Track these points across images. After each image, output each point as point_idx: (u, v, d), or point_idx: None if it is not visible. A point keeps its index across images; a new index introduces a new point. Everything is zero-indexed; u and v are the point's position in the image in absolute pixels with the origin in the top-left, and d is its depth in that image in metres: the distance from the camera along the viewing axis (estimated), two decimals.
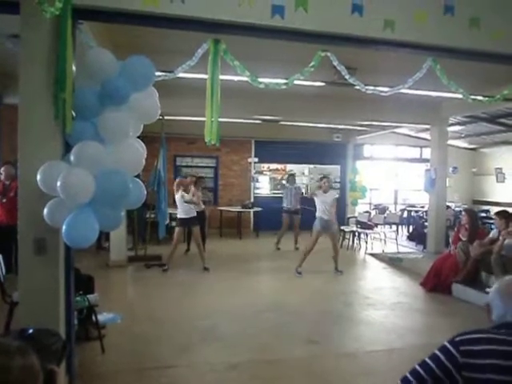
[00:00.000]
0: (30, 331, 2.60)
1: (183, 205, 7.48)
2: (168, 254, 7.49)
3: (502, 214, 6.25)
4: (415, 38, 3.52)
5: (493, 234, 6.32)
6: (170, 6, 2.98)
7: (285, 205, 9.88)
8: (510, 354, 1.24)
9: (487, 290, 5.86)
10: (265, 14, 3.14)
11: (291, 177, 10.24)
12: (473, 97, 4.29)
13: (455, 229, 7.22)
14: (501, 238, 6.00)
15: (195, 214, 7.63)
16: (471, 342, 1.17)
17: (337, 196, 7.47)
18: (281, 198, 10.39)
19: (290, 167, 13.11)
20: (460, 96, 4.08)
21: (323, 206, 7.27)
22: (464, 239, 6.49)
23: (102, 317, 4.50)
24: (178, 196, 7.54)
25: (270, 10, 3.14)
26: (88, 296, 4.05)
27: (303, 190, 13.06)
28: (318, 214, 7.34)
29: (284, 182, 10.93)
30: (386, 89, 4.07)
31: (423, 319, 5.46)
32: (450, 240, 7.35)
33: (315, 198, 7.38)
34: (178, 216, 7.57)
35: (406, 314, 5.52)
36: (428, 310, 5.88)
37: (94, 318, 4.12)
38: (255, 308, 5.49)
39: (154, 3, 2.94)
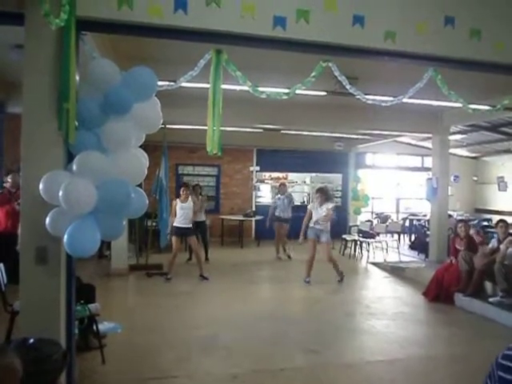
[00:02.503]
0: (31, 341, 2.60)
1: (180, 214, 7.47)
2: (168, 263, 7.48)
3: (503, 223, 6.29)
4: (416, 49, 3.53)
5: (492, 243, 6.31)
6: (173, 17, 3.00)
7: (276, 213, 9.96)
8: None
9: (490, 299, 5.84)
10: (267, 25, 3.17)
11: (282, 186, 10.36)
12: (473, 106, 4.30)
13: (451, 240, 7.19)
14: (502, 246, 5.98)
15: (191, 225, 7.63)
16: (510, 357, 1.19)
17: (331, 207, 7.42)
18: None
19: (291, 176, 13.15)
20: (461, 105, 4.10)
21: (316, 217, 7.37)
22: (461, 248, 6.48)
23: (103, 326, 4.48)
24: (174, 205, 7.58)
25: (271, 22, 3.16)
26: (89, 305, 4.05)
27: (304, 199, 13.15)
28: (311, 223, 7.44)
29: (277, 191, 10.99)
30: (386, 98, 4.09)
31: (425, 329, 5.42)
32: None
33: (312, 212, 7.49)
34: (174, 224, 7.54)
35: (408, 324, 5.49)
36: (430, 320, 5.85)
37: (94, 327, 4.10)
38: (256, 317, 5.47)
39: (157, 15, 2.97)
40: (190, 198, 7.63)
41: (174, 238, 7.52)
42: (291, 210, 9.96)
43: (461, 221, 7.47)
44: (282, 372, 3.96)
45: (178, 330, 4.95)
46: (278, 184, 11.31)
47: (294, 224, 9.62)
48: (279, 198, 10.04)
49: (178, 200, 7.59)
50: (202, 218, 9.07)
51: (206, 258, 9.09)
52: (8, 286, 4.20)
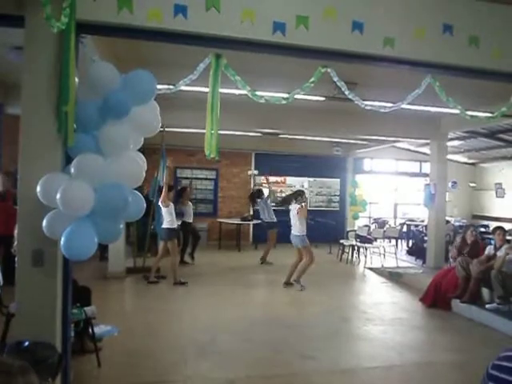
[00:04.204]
0: (26, 344, 2.59)
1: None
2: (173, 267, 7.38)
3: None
4: (414, 56, 3.55)
5: (488, 250, 6.32)
6: (172, 21, 3.02)
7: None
8: None
9: (487, 306, 5.84)
10: (266, 31, 3.18)
11: (259, 192, 10.46)
12: (470, 113, 4.32)
13: (455, 244, 7.16)
14: (499, 253, 5.98)
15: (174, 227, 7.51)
16: (506, 358, 1.18)
17: (297, 207, 7.38)
18: (281, 211, 10.45)
19: (289, 180, 13.17)
20: (459, 112, 4.11)
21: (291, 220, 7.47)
22: (465, 253, 6.49)
23: (99, 329, 4.45)
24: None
25: (271, 27, 3.18)
26: (85, 308, 4.02)
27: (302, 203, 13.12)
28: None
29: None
30: (384, 104, 4.10)
31: (423, 335, 5.41)
32: (450, 255, 7.34)
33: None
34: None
35: (405, 329, 5.48)
36: (428, 326, 5.84)
37: (90, 330, 4.08)
38: (253, 321, 5.45)
39: (156, 19, 2.98)
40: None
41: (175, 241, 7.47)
42: (268, 212, 9.84)
43: (470, 226, 7.42)
44: (278, 378, 3.95)
45: (174, 334, 4.93)
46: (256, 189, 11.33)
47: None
48: (259, 203, 10.17)
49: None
50: (190, 219, 9.22)
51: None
52: (3, 287, 4.18)
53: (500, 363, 1.14)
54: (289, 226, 7.57)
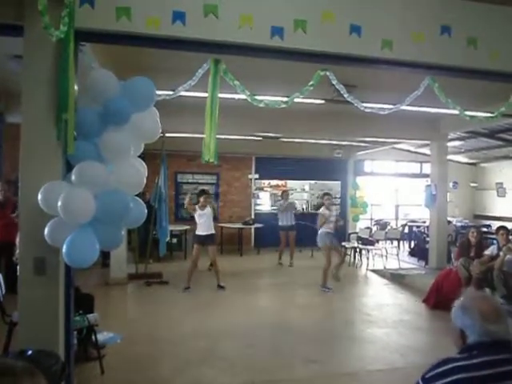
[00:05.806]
0: (29, 352, 2.58)
1: (200, 222, 7.39)
2: (188, 272, 7.30)
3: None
4: (413, 57, 3.56)
5: (491, 250, 6.30)
6: (171, 28, 3.03)
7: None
8: (479, 379, 1.21)
9: None
10: (264, 35, 3.19)
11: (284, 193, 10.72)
12: (470, 113, 4.32)
13: (459, 246, 7.12)
14: (501, 253, 5.98)
15: (211, 232, 7.42)
16: (439, 376, 1.18)
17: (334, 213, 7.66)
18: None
19: (290, 183, 13.19)
20: (458, 112, 4.11)
21: (329, 222, 7.49)
22: (472, 254, 6.47)
23: (102, 336, 4.46)
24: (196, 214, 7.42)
25: (269, 32, 3.19)
26: (88, 316, 4.02)
27: (303, 206, 13.17)
28: (327, 228, 7.45)
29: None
30: (383, 106, 4.10)
31: (426, 337, 5.39)
32: (452, 256, 7.31)
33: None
34: (196, 233, 7.44)
35: (408, 332, 5.46)
36: (431, 327, 5.81)
37: (93, 337, 4.07)
38: (255, 326, 5.44)
39: (155, 26, 2.99)
40: (208, 206, 7.43)
41: (195, 246, 7.40)
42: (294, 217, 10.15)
43: (473, 227, 7.40)
44: (281, 382, 3.94)
45: (177, 340, 4.92)
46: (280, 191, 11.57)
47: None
48: (281, 205, 10.26)
49: (196, 207, 7.39)
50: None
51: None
52: (6, 296, 4.18)
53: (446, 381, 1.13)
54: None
